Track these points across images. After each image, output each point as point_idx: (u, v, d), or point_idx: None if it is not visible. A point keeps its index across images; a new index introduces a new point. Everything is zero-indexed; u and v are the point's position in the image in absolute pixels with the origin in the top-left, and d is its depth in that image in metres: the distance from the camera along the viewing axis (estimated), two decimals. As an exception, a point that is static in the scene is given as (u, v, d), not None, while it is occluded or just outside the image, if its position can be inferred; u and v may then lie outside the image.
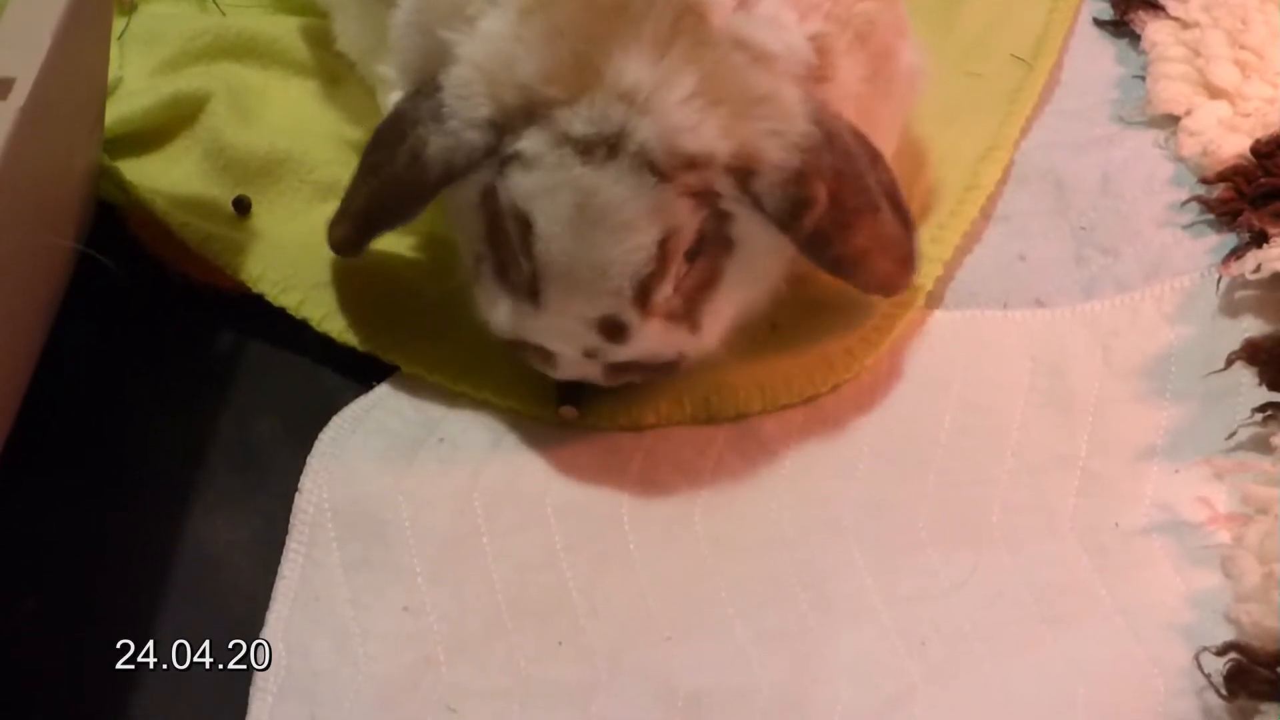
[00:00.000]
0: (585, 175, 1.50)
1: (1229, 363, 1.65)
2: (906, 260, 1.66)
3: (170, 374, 1.75)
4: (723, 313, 1.61)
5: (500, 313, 1.59)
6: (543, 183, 1.52)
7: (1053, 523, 1.58)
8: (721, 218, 1.56)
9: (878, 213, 1.61)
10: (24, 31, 1.47)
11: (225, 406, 1.71)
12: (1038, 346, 1.73)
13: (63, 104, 1.60)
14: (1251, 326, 1.69)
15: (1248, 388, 1.64)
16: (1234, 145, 1.87)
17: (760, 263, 1.62)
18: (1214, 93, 1.95)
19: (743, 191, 1.54)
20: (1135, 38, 2.07)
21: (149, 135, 1.92)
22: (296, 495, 1.62)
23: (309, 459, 1.65)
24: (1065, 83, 2.04)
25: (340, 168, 1.90)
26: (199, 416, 1.70)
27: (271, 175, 1.88)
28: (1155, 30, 2.05)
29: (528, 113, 1.53)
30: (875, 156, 1.63)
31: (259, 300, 1.78)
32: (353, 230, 1.68)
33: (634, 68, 1.50)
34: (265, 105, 1.99)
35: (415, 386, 1.72)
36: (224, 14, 2.10)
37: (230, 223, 1.85)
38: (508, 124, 1.54)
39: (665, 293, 1.55)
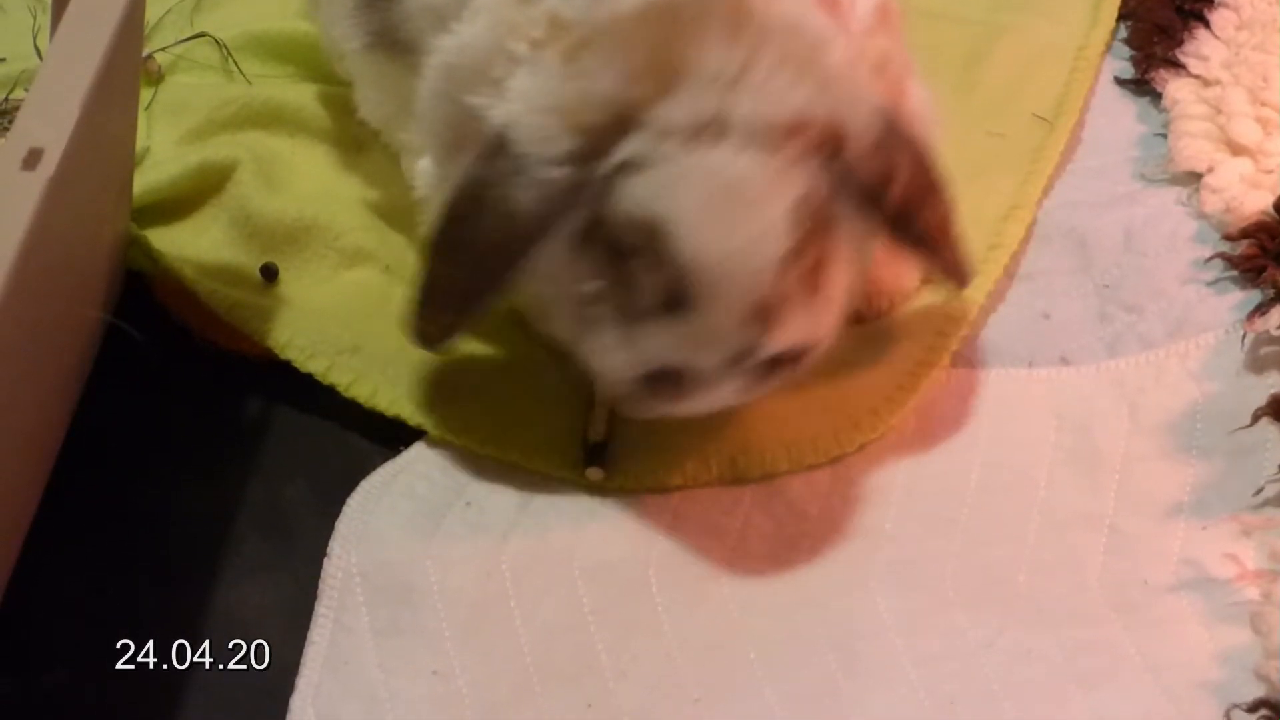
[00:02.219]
0: (702, 159, 1.47)
1: (1255, 419, 1.66)
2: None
3: (198, 441, 1.75)
4: (837, 296, 1.57)
5: (632, 350, 1.53)
6: (662, 179, 1.48)
7: (1080, 581, 1.58)
8: (820, 194, 1.53)
9: (945, 190, 1.60)
10: (53, 102, 1.48)
11: (253, 472, 1.72)
12: (1063, 404, 1.73)
13: (91, 174, 1.62)
14: (1277, 382, 1.69)
15: (1274, 443, 1.64)
16: (1256, 202, 1.87)
17: (856, 247, 1.59)
18: (1236, 150, 1.95)
19: (831, 166, 1.52)
20: (1156, 96, 2.07)
21: (176, 204, 1.94)
22: (325, 560, 1.62)
23: (337, 524, 1.65)
24: (1087, 141, 2.05)
25: (366, 233, 1.91)
26: (227, 483, 1.71)
27: (298, 242, 1.89)
28: (1176, 88, 2.06)
29: (619, 123, 1.50)
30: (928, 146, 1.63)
31: (286, 366, 1.79)
32: (453, 318, 1.61)
33: (711, 54, 1.47)
34: (292, 173, 2.00)
35: (442, 450, 1.72)
36: (250, 83, 2.12)
37: (257, 290, 1.86)
38: (596, 147, 1.50)
39: (798, 270, 1.51)
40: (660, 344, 1.52)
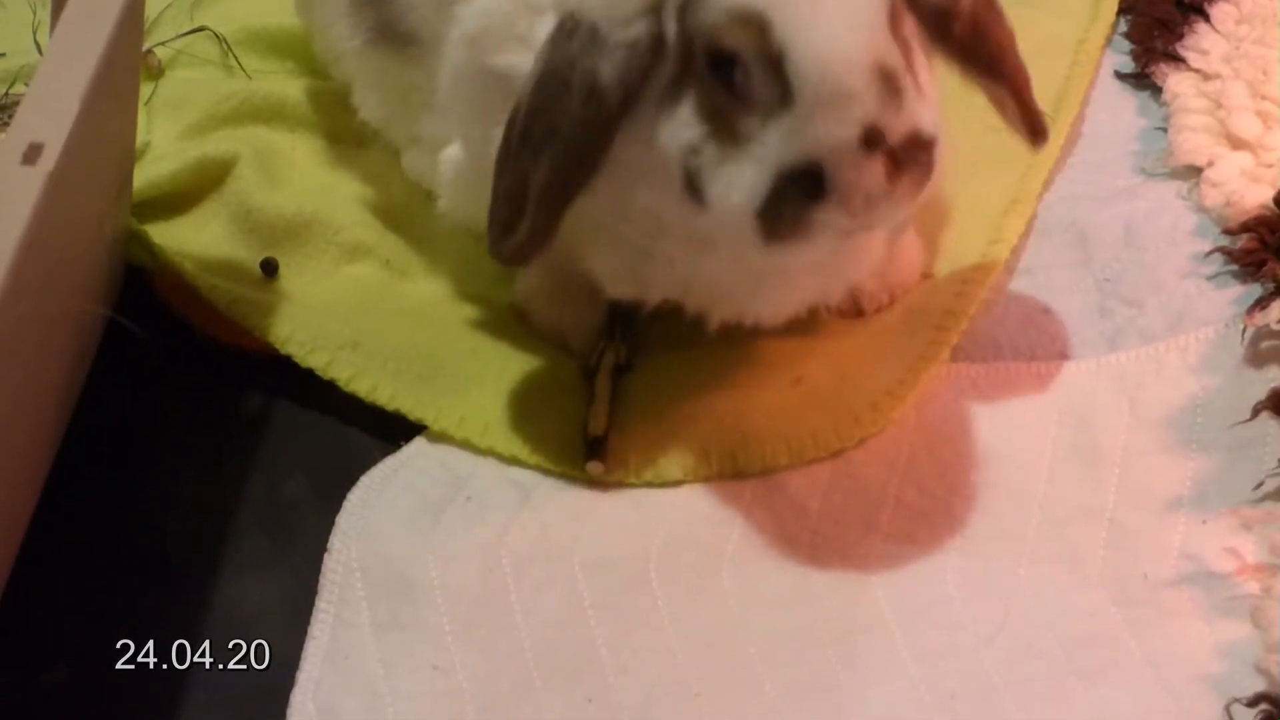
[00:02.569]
0: None
1: (1255, 413, 1.65)
2: None
3: (199, 435, 1.76)
4: (936, 103, 1.53)
5: (759, 163, 1.48)
6: None
7: (1081, 575, 1.58)
8: None
9: (1007, 19, 1.63)
10: (53, 97, 1.48)
11: (254, 467, 1.72)
12: (1063, 399, 1.72)
13: (91, 169, 1.62)
14: (1277, 376, 1.68)
15: (1274, 438, 1.64)
16: (1256, 195, 1.87)
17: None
18: (1236, 144, 1.95)
19: None
20: (1157, 90, 2.07)
21: (177, 199, 1.94)
22: (326, 555, 1.63)
23: (338, 519, 1.66)
24: (1087, 135, 2.05)
25: (366, 229, 1.91)
26: (228, 477, 1.71)
27: (299, 237, 1.90)
28: (1177, 82, 2.05)
29: None
30: None
31: (287, 361, 1.79)
32: (543, 217, 1.56)
33: None
34: (291, 168, 2.00)
35: (442, 445, 1.72)
36: (250, 78, 2.12)
37: (258, 285, 1.86)
38: None
39: (900, 47, 1.49)
40: (790, 137, 1.47)
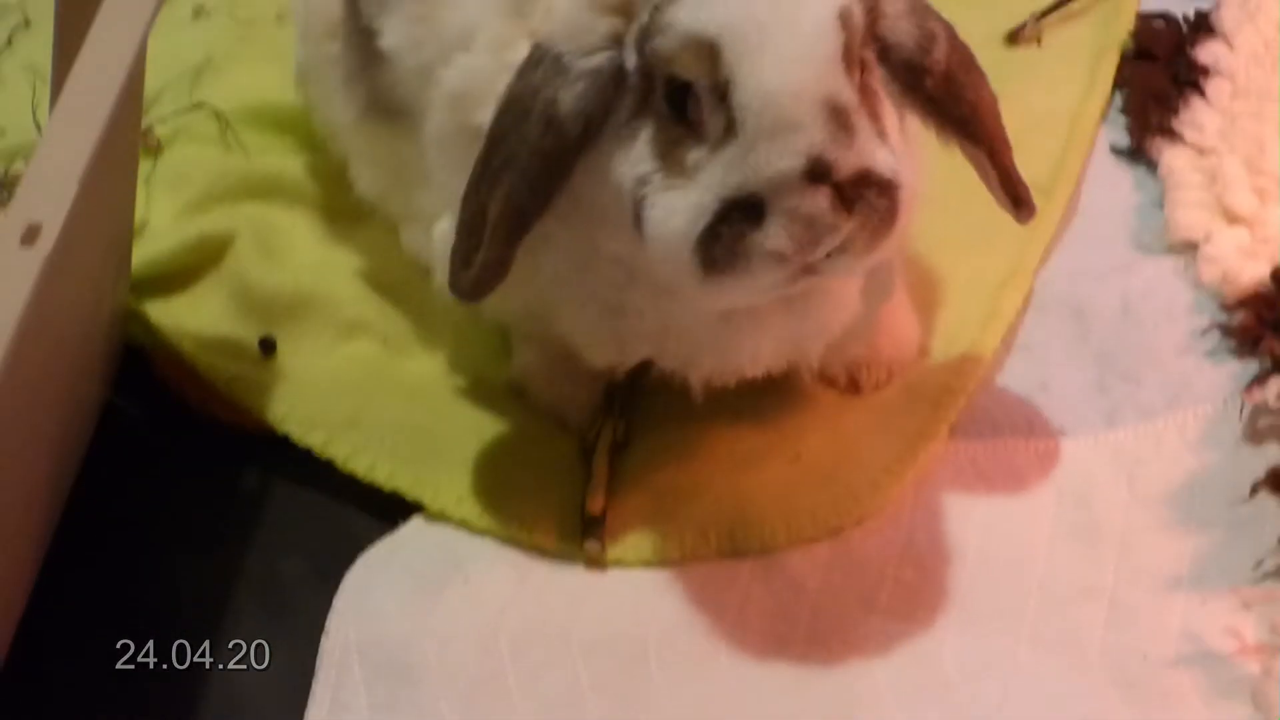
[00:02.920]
0: None
1: (1254, 491, 1.65)
2: None
3: (197, 514, 1.75)
4: (899, 149, 1.52)
5: (702, 190, 1.46)
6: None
7: (1081, 655, 1.57)
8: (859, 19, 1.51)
9: (984, 75, 1.60)
10: (52, 177, 1.48)
11: (251, 546, 1.72)
12: (1062, 476, 1.72)
13: (90, 248, 1.62)
14: (1276, 454, 1.69)
15: (1273, 516, 1.64)
16: (1253, 271, 1.87)
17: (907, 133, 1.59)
18: (1232, 219, 1.95)
19: (871, 36, 1.51)
20: (1153, 165, 2.07)
21: (175, 277, 1.93)
22: (323, 637, 1.62)
23: (335, 600, 1.65)
24: (1083, 210, 2.04)
25: (364, 305, 1.91)
26: (225, 556, 1.71)
27: (297, 315, 1.89)
28: (1173, 157, 2.06)
29: None
30: None
31: (285, 440, 1.79)
32: (499, 247, 1.55)
33: None
34: (290, 245, 2.00)
35: (440, 525, 1.72)
36: (248, 155, 2.12)
37: (256, 363, 1.86)
38: (628, 14, 1.50)
39: (858, 89, 1.48)
40: (732, 167, 1.45)
